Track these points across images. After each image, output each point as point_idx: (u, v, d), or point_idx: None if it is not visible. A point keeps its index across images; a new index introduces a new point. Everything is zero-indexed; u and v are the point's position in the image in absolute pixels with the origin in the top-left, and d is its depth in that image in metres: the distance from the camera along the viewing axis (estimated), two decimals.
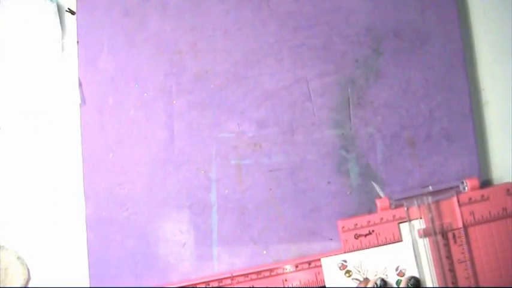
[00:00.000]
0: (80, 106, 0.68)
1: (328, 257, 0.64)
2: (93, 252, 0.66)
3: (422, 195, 0.64)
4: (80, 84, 0.68)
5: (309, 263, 0.64)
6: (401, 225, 0.64)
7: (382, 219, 0.64)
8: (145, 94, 0.68)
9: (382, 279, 0.63)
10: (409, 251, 0.64)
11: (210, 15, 0.68)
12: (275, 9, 0.68)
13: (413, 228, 0.64)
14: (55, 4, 0.70)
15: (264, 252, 0.66)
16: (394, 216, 0.64)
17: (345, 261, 0.64)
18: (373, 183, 0.66)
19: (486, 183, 0.68)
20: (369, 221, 0.64)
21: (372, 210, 0.66)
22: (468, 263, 0.63)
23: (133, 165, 0.67)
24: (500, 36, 0.71)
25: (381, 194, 0.66)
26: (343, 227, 0.64)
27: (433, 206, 0.64)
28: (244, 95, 0.67)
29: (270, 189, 0.66)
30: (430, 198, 0.64)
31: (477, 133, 0.67)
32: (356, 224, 0.64)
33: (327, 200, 0.66)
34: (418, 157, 0.66)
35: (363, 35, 0.68)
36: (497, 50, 0.70)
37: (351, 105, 0.67)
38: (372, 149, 0.67)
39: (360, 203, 0.66)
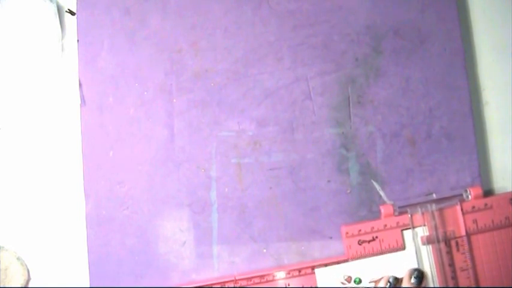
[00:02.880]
0: (80, 106, 0.68)
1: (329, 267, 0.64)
2: (93, 250, 0.66)
3: (426, 202, 0.65)
4: (80, 85, 0.68)
5: (312, 267, 0.64)
6: (404, 232, 0.64)
7: (385, 225, 0.64)
8: (145, 93, 0.68)
9: (395, 277, 0.63)
10: (412, 258, 0.64)
11: (210, 14, 0.68)
12: (275, 8, 0.68)
13: (416, 236, 0.64)
14: (55, 4, 0.70)
15: (264, 250, 0.65)
16: (397, 223, 0.64)
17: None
18: (373, 182, 0.66)
19: (485, 183, 0.68)
20: (373, 227, 0.64)
21: (372, 208, 0.66)
22: (470, 270, 0.63)
23: (134, 163, 0.67)
24: (500, 36, 0.71)
25: (381, 192, 0.66)
26: (347, 233, 0.64)
27: (436, 214, 0.64)
28: (244, 94, 0.67)
29: (270, 187, 0.66)
30: (433, 206, 0.64)
31: (477, 133, 0.67)
32: (360, 230, 0.64)
33: (327, 199, 0.66)
34: (418, 156, 0.66)
35: (363, 34, 0.68)
36: (497, 50, 0.70)
37: (351, 104, 0.67)
38: (372, 147, 0.67)
39: (360, 202, 0.66)
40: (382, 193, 0.66)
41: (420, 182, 0.66)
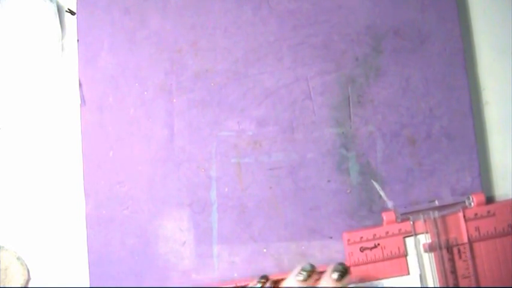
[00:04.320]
0: (80, 106, 0.68)
1: None
2: (93, 250, 0.66)
3: (428, 209, 0.64)
4: (80, 85, 0.68)
5: None
6: (406, 239, 0.64)
7: (387, 232, 0.64)
8: (145, 92, 0.68)
9: (311, 265, 0.62)
10: (414, 265, 0.64)
11: (210, 13, 0.68)
12: (275, 8, 0.68)
13: (418, 243, 0.64)
14: (55, 4, 0.70)
15: (264, 250, 0.65)
16: (399, 230, 0.64)
17: None
18: (373, 182, 0.66)
19: (485, 183, 0.67)
20: (375, 234, 0.64)
21: (372, 208, 0.66)
22: (472, 278, 0.63)
23: (134, 163, 0.67)
24: (500, 36, 0.71)
25: (381, 192, 0.66)
26: (349, 240, 0.64)
27: (439, 221, 0.64)
28: (244, 94, 0.67)
29: (270, 187, 0.66)
30: (436, 213, 0.64)
31: (477, 133, 0.67)
32: (362, 237, 0.64)
33: (327, 199, 0.66)
34: (418, 155, 0.66)
35: (363, 34, 0.68)
36: (497, 50, 0.70)
37: (351, 104, 0.67)
38: (372, 147, 0.66)
39: (360, 202, 0.66)
40: (382, 193, 0.66)
41: (420, 182, 0.66)
